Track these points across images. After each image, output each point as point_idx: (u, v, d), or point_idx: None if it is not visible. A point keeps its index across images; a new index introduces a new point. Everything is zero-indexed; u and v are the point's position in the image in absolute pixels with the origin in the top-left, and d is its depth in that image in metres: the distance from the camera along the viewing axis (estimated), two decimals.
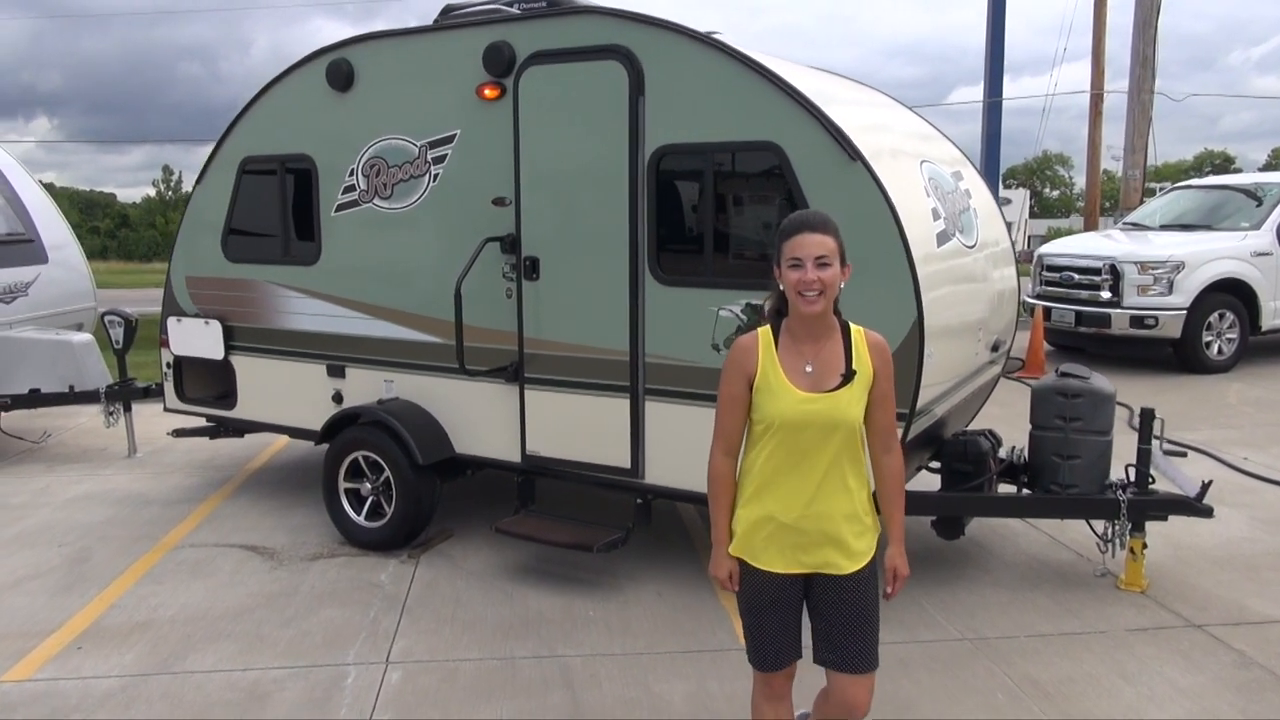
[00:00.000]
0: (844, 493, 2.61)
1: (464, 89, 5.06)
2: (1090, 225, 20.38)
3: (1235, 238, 10.34)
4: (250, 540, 5.69)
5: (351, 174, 5.55)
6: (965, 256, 4.93)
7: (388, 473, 5.38)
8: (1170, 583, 4.82)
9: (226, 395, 6.40)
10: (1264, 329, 10.31)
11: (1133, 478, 4.71)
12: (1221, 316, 10.12)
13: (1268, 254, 10.21)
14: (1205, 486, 4.58)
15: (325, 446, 5.66)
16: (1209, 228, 10.91)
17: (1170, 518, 4.69)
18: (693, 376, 4.59)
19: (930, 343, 4.19)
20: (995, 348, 5.46)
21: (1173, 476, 4.65)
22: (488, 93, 4.96)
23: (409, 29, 5.30)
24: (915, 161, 4.81)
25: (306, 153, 5.73)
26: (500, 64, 4.89)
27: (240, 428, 6.52)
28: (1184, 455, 4.88)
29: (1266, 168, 61.43)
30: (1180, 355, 10.16)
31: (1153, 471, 4.68)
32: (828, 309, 2.58)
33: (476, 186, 5.11)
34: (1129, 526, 4.65)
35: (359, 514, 5.55)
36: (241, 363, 6.24)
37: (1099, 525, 4.85)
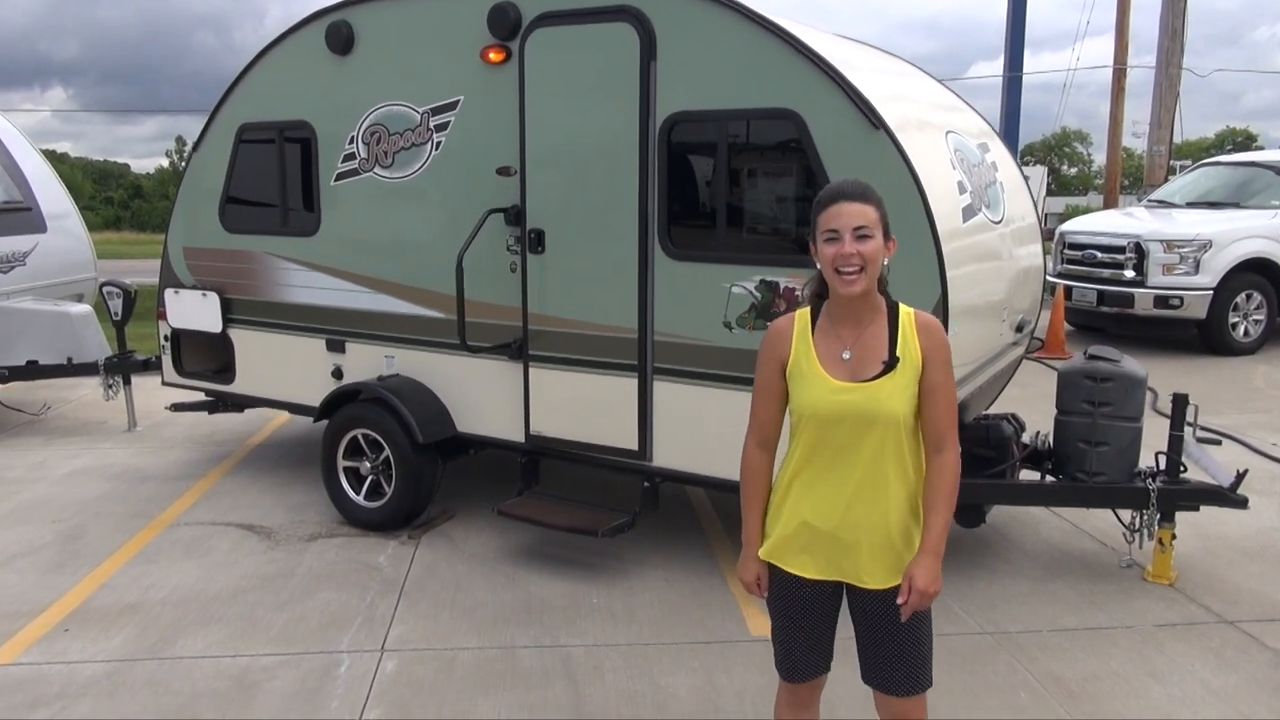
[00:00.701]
0: (887, 498, 2.36)
1: (468, 53, 4.84)
2: (1110, 203, 20.01)
3: (1265, 216, 10.04)
4: (248, 519, 5.55)
5: (351, 142, 5.35)
6: (991, 232, 4.70)
7: (387, 451, 5.21)
8: (1199, 575, 4.62)
9: (225, 369, 6.24)
10: None
11: (1163, 466, 4.50)
12: (1249, 297, 9.84)
13: None
14: (1240, 476, 4.36)
15: (325, 423, 5.50)
16: (1236, 205, 10.61)
17: (1201, 508, 4.48)
18: (704, 355, 4.39)
19: (954, 322, 3.98)
20: (1020, 328, 5.24)
21: (1205, 465, 4.44)
22: (492, 56, 4.74)
23: None
24: (940, 133, 4.58)
25: (305, 119, 5.52)
26: (505, 26, 4.66)
27: (239, 402, 6.37)
28: (1219, 443, 4.67)
29: None
30: (1205, 336, 9.90)
31: (1184, 459, 4.47)
32: (870, 288, 2.34)
33: (481, 155, 4.90)
34: (1158, 517, 4.45)
35: (358, 493, 5.39)
36: (240, 336, 6.08)
37: (1125, 514, 4.66)
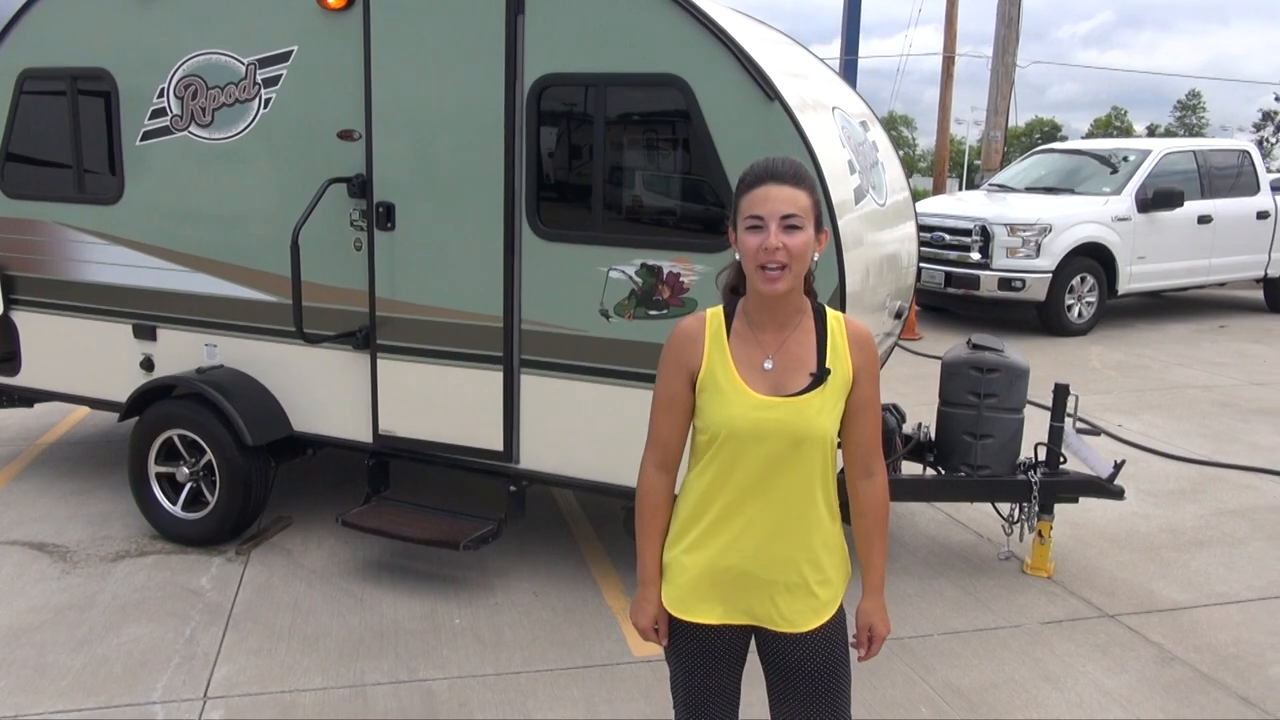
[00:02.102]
0: (811, 528, 2.03)
1: None
2: (939, 186, 20.79)
3: (1097, 202, 10.46)
4: (37, 535, 4.73)
5: (161, 95, 4.58)
6: (878, 215, 4.48)
7: (209, 455, 4.53)
8: (1074, 566, 4.60)
9: (8, 358, 5.33)
10: (1120, 292, 10.52)
11: (1043, 457, 4.43)
12: (1083, 280, 10.24)
13: (1126, 219, 10.38)
14: (1118, 466, 4.34)
15: (133, 422, 4.74)
16: (1071, 191, 11.03)
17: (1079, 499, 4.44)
18: (577, 347, 3.97)
19: (850, 313, 3.71)
20: (899, 314, 5.08)
21: (1085, 456, 4.39)
22: (332, 1, 4.11)
23: None
24: (828, 109, 4.30)
25: (104, 68, 4.70)
26: None
27: (27, 397, 5.47)
28: (1097, 434, 4.65)
29: (1088, 136, 65.27)
30: (1043, 318, 10.25)
31: (1063, 450, 4.41)
32: (795, 287, 1.98)
33: (318, 116, 4.27)
34: (1038, 509, 4.37)
35: (175, 503, 4.68)
36: (26, 320, 5.19)
37: (1004, 506, 4.58)
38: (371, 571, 4.39)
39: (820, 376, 2.00)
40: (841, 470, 2.11)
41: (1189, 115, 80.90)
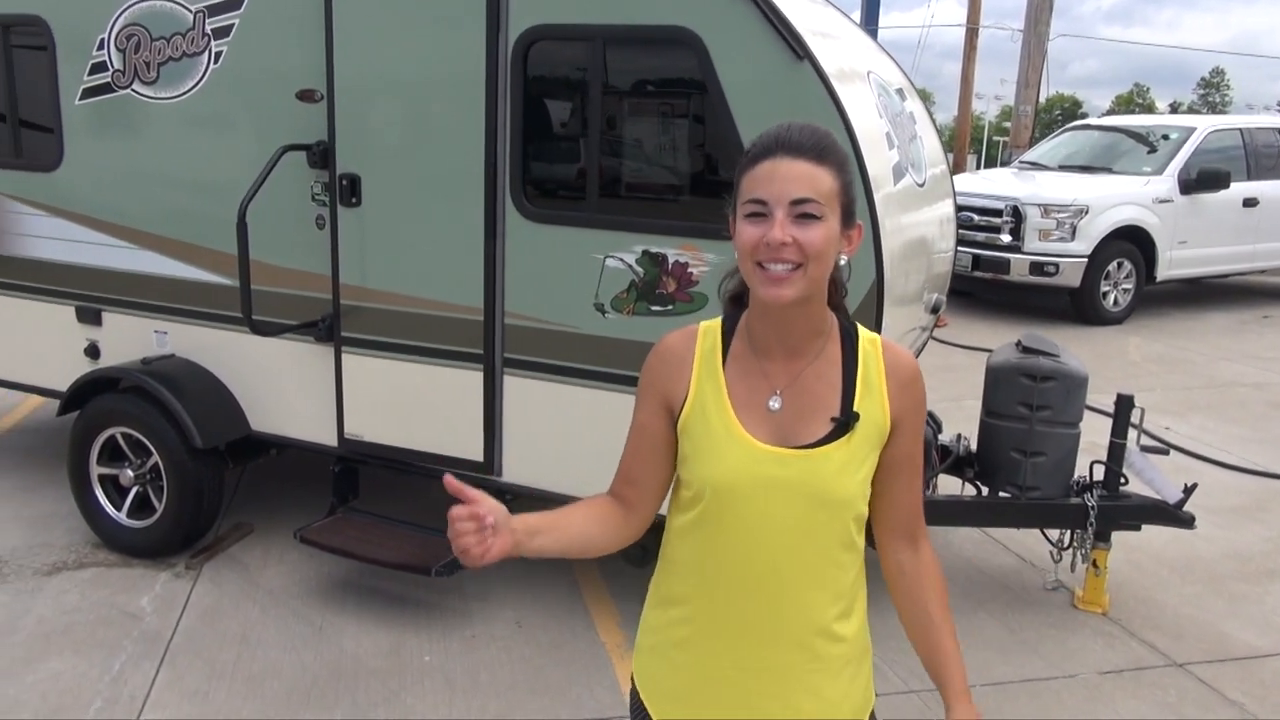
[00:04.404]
0: (826, 620, 1.50)
1: None
2: (959, 162, 20.12)
3: (1137, 183, 9.81)
4: None
5: (101, 47, 4.02)
6: (916, 196, 3.90)
7: (156, 457, 4.02)
8: (1132, 600, 4.05)
9: None
10: (1159, 279, 9.89)
11: (1099, 476, 3.88)
12: (1119, 265, 9.62)
13: (1169, 201, 9.73)
14: (1189, 491, 3.78)
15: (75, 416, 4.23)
16: (1108, 170, 10.38)
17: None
18: (568, 345, 3.42)
19: (886, 314, 3.16)
20: (935, 308, 4.50)
21: (1150, 478, 3.83)
22: None
23: None
24: (863, 74, 3.71)
25: (37, 14, 4.14)
26: None
27: None
28: (1166, 452, 4.10)
29: (1109, 113, 63.89)
30: (1077, 305, 9.64)
31: (1125, 470, 3.85)
32: (810, 296, 1.43)
33: (275, 73, 3.71)
34: (1093, 536, 3.83)
35: (119, 509, 4.17)
36: None
37: (1053, 530, 4.03)
38: (335, 594, 3.88)
39: (845, 423, 1.45)
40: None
41: (1212, 93, 79.38)
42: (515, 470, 3.62)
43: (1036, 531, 4.18)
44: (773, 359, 1.49)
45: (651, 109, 3.32)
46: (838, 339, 1.51)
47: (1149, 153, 10.48)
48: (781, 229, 1.37)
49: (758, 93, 3.06)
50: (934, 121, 4.89)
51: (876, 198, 3.09)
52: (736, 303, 1.55)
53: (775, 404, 1.48)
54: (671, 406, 1.53)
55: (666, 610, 1.58)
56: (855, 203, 1.46)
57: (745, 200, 1.41)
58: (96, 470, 4.18)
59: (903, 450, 1.51)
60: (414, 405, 3.71)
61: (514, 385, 3.56)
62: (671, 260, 3.23)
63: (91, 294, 4.30)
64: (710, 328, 1.55)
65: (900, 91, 4.31)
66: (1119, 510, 3.79)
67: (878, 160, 3.26)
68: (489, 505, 1.36)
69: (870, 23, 21.21)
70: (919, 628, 1.58)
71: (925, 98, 5.07)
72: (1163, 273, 9.86)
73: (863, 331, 1.52)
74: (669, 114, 3.28)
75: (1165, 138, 10.52)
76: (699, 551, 1.52)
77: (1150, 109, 70.95)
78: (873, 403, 1.47)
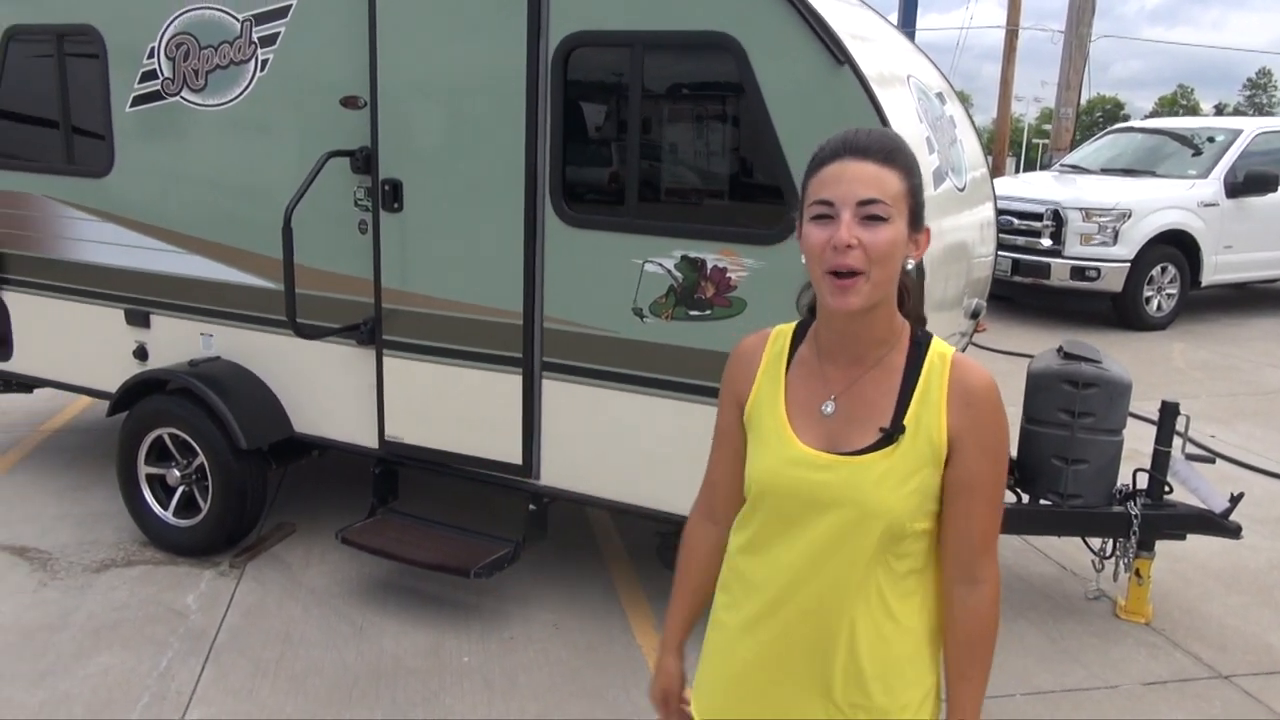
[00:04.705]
0: (877, 639, 1.48)
1: None
2: (999, 165, 19.92)
3: (1181, 186, 9.65)
4: (20, 538, 4.35)
5: (151, 55, 4.12)
6: (957, 200, 3.88)
7: (202, 457, 4.10)
8: (1175, 610, 3.99)
9: (1, 341, 4.96)
10: (1205, 284, 9.72)
11: (1143, 485, 3.82)
12: (1163, 270, 9.47)
13: (1214, 204, 9.57)
14: (1235, 500, 3.72)
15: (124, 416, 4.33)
16: (1151, 173, 10.22)
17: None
18: (607, 349, 3.44)
19: (928, 317, 3.13)
20: (975, 313, 4.47)
21: (1195, 487, 3.77)
22: None
23: None
24: (903, 78, 3.70)
25: (91, 24, 4.24)
26: None
27: (23, 382, 5.10)
28: (1212, 461, 4.03)
29: (1152, 114, 62.84)
30: (1119, 310, 9.50)
31: (1169, 479, 3.80)
32: (877, 303, 1.44)
33: (320, 80, 3.77)
34: (1136, 545, 3.78)
35: (166, 508, 4.26)
36: (17, 301, 4.80)
37: (1094, 539, 3.98)
38: (376, 594, 3.93)
39: (891, 433, 1.45)
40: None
41: (1259, 94, 77.85)
42: (553, 473, 3.65)
43: (1078, 539, 4.14)
44: (835, 364, 1.51)
45: (690, 114, 3.33)
46: (905, 348, 1.49)
47: (1194, 155, 10.31)
48: (848, 230, 1.38)
49: (798, 98, 3.06)
50: (974, 124, 4.85)
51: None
52: (810, 312, 1.57)
53: (829, 408, 1.49)
54: (741, 407, 1.58)
55: (719, 600, 1.63)
56: (923, 207, 1.47)
57: (812, 202, 1.43)
58: (144, 470, 4.27)
59: (963, 473, 1.46)
60: (453, 408, 3.75)
61: (552, 389, 3.59)
62: (710, 265, 3.24)
63: (141, 297, 4.39)
64: (783, 331, 1.59)
65: (940, 95, 4.28)
66: (1163, 519, 3.74)
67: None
68: (672, 700, 1.70)
69: (908, 24, 21.08)
70: (949, 660, 1.54)
71: (964, 99, 5.03)
72: (1208, 278, 9.69)
73: (936, 343, 1.50)
74: (708, 119, 3.30)
75: (1211, 140, 10.34)
76: (747, 552, 1.55)
77: (1195, 110, 69.71)
78: (928, 417, 1.45)
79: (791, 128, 3.05)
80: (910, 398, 1.46)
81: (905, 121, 3.29)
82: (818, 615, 1.48)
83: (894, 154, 1.42)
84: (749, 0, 3.06)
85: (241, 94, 3.93)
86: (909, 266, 1.48)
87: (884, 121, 2.98)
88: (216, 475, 4.06)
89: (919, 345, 1.50)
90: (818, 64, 3.02)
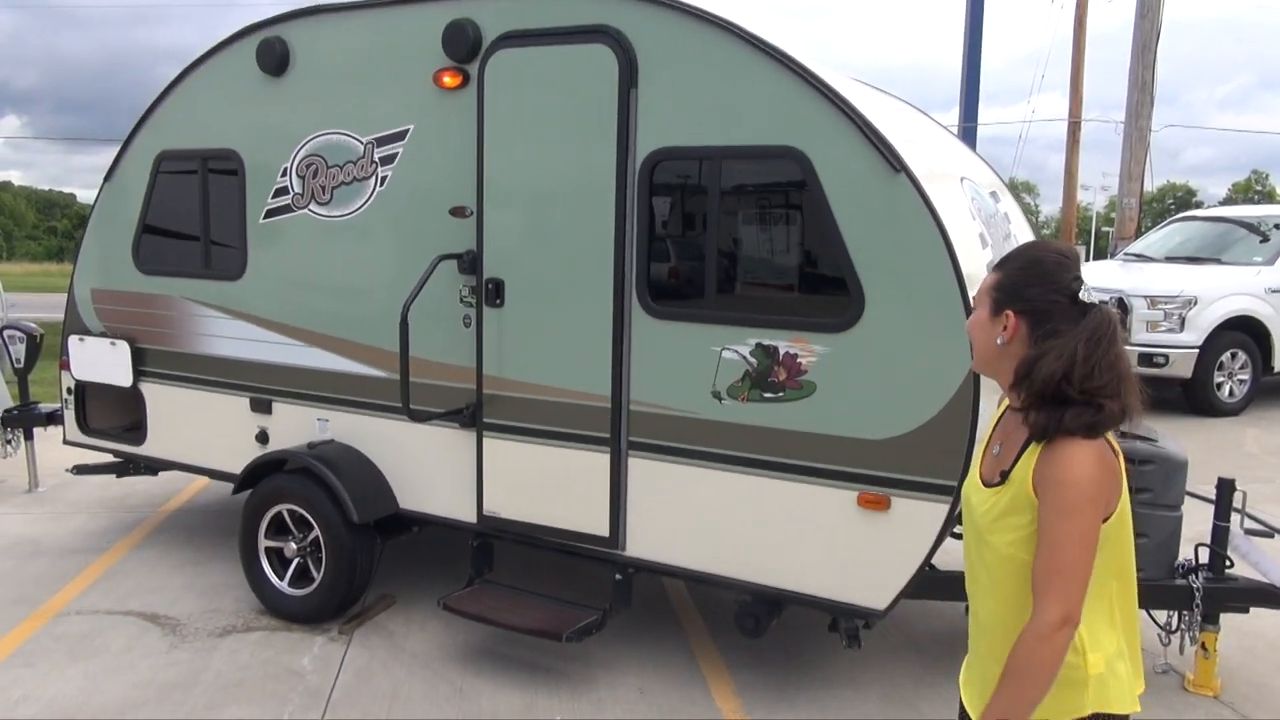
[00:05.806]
0: (1003, 634, 1.88)
1: (419, 76, 4.22)
2: None
3: (1249, 273, 9.74)
4: (151, 606, 4.77)
5: (284, 174, 4.69)
6: None
7: (317, 530, 4.50)
8: (1244, 685, 4.07)
9: (135, 427, 5.49)
10: (1277, 369, 9.70)
11: (1204, 559, 3.97)
12: (1234, 356, 9.50)
13: None
14: None
15: (246, 494, 4.77)
16: (1217, 261, 10.32)
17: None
18: (688, 430, 3.77)
19: (983, 398, 3.41)
20: None
21: (1255, 560, 3.90)
22: (447, 80, 4.14)
23: (355, 2, 4.45)
24: (956, 179, 4.05)
25: (232, 148, 4.85)
26: (463, 46, 4.06)
27: (152, 465, 5.61)
28: (1271, 536, 4.15)
29: (1226, 201, 62.04)
30: (1190, 396, 9.52)
31: (1230, 553, 3.94)
32: (988, 368, 1.92)
33: (432, 193, 4.27)
34: (1200, 618, 3.90)
35: (282, 579, 4.65)
36: (153, 391, 5.34)
37: (1160, 613, 4.10)
38: (473, 658, 4.24)
39: (1004, 477, 1.83)
40: None
41: None
42: (638, 544, 3.95)
43: (1142, 614, 4.26)
44: (1013, 419, 1.87)
45: (762, 216, 3.73)
46: None
47: (1261, 242, 10.41)
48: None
49: (859, 201, 3.43)
50: (1035, 218, 5.17)
51: (970, 294, 3.39)
52: None
53: (996, 449, 1.90)
54: None
55: None
56: (1011, 297, 1.84)
57: None
58: (264, 543, 4.69)
59: (1039, 518, 1.74)
60: (546, 485, 4.10)
61: (637, 466, 3.92)
62: (783, 351, 3.58)
63: (265, 386, 4.88)
64: None
65: (994, 193, 4.62)
66: (1224, 592, 3.87)
67: (971, 259, 3.57)
68: None
69: (969, 119, 21.53)
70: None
71: (1030, 190, 5.40)
72: None
73: None
74: (778, 221, 3.68)
75: (1277, 227, 10.43)
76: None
77: (1270, 196, 68.51)
78: (1028, 468, 1.77)
79: (854, 228, 3.42)
80: (1024, 450, 1.79)
81: (957, 219, 3.63)
82: (991, 617, 1.94)
83: (1008, 260, 1.91)
84: (814, 118, 3.46)
85: (362, 206, 4.46)
86: (1000, 342, 1.85)
87: (935, 219, 3.32)
88: (330, 547, 4.45)
89: None
90: (877, 171, 3.39)
